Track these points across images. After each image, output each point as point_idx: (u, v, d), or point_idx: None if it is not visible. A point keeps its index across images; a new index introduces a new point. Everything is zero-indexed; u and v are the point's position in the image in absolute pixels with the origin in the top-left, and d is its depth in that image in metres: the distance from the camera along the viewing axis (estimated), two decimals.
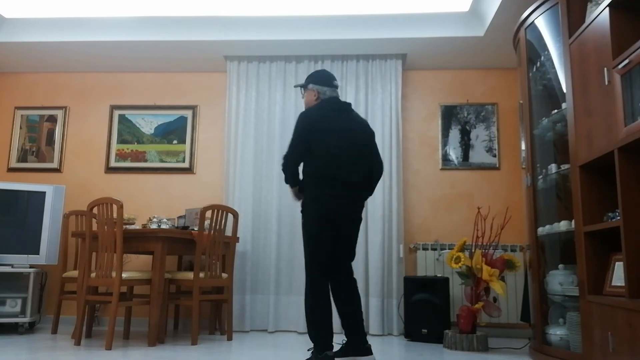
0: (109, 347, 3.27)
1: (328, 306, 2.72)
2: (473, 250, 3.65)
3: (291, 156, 2.83)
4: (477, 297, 3.58)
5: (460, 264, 3.58)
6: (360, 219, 2.92)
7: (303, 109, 3.27)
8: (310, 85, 3.03)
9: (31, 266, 4.17)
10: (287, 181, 2.90)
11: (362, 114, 4.51)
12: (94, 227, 4.43)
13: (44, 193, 4.28)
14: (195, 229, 3.79)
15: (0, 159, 4.93)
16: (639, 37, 2.37)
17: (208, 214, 4.09)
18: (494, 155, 4.59)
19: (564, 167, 2.99)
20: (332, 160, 2.79)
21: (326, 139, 2.82)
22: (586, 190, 2.69)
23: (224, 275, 3.82)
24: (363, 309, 4.20)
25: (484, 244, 3.81)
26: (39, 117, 4.96)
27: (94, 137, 4.91)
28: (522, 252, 4.30)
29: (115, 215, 3.37)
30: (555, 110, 3.10)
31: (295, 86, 3.33)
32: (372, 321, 4.18)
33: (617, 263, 2.48)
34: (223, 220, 3.73)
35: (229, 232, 4.17)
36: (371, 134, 2.98)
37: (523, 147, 3.44)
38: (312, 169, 2.83)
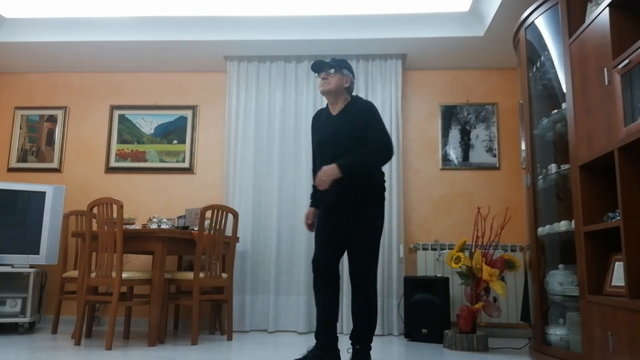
0: (109, 347, 3.27)
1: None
2: (473, 250, 3.65)
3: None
4: (477, 297, 3.58)
5: (460, 264, 3.57)
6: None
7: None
8: (346, 72, 2.85)
9: (31, 266, 4.17)
10: (383, 161, 2.72)
11: None
12: (94, 227, 4.43)
13: (44, 193, 4.28)
14: (195, 229, 3.79)
15: (0, 159, 4.93)
16: (639, 37, 2.37)
17: (208, 214, 4.09)
18: (494, 155, 4.59)
19: (564, 167, 2.99)
20: None
21: None
22: (586, 190, 2.69)
23: (224, 275, 3.82)
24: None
25: (484, 244, 3.81)
26: (39, 117, 4.96)
27: (94, 137, 4.91)
28: (522, 252, 4.30)
29: (115, 215, 3.37)
30: (555, 110, 3.10)
31: (321, 66, 2.84)
32: None
33: (617, 263, 2.48)
34: (223, 220, 3.73)
35: (229, 232, 4.17)
36: None
37: (523, 147, 3.44)
38: (382, 172, 2.82)
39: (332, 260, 2.80)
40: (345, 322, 4.17)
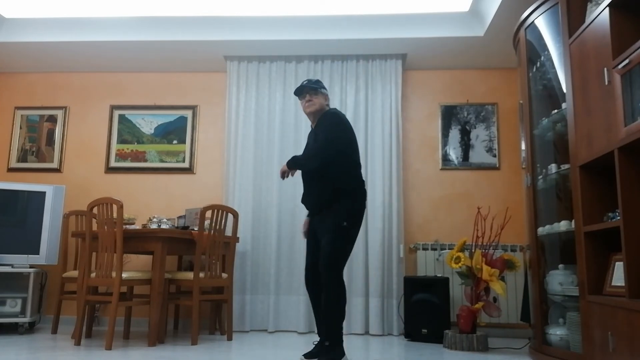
0: (109, 347, 3.27)
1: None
2: (473, 250, 3.65)
3: (336, 147, 2.88)
4: (477, 297, 3.58)
5: (460, 264, 3.58)
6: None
7: (303, 109, 3.30)
8: (324, 90, 3.13)
9: (31, 266, 4.17)
10: (306, 166, 2.97)
11: (362, 114, 4.52)
12: (94, 227, 4.43)
13: (44, 193, 4.28)
14: (195, 229, 3.79)
15: (0, 159, 4.93)
16: (639, 37, 2.37)
17: (208, 214, 4.09)
18: (494, 155, 4.59)
19: (564, 167, 2.99)
20: (360, 172, 3.04)
21: (357, 149, 3.05)
22: (586, 190, 2.69)
23: (224, 275, 3.82)
24: (363, 309, 4.23)
25: (484, 244, 3.81)
26: (39, 117, 4.96)
27: (94, 137, 4.91)
28: (522, 252, 4.30)
29: (115, 215, 3.37)
30: (555, 110, 3.10)
31: (302, 89, 3.10)
32: (372, 321, 4.18)
33: (617, 263, 2.48)
34: (223, 220, 3.73)
35: (229, 232, 4.17)
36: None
37: (523, 147, 3.44)
38: (354, 179, 2.98)
39: (310, 270, 3.05)
40: (351, 321, 4.17)
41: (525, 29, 3.38)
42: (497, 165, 4.58)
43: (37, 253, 4.20)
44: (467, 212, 4.54)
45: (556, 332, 2.94)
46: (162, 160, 4.82)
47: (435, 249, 4.39)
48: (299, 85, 3.15)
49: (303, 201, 3.12)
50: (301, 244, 4.33)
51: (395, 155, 4.43)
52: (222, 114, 4.84)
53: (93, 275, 3.50)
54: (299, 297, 4.28)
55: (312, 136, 3.11)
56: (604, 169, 2.67)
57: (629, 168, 2.30)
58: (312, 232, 3.08)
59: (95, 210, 3.59)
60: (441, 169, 4.63)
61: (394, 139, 4.46)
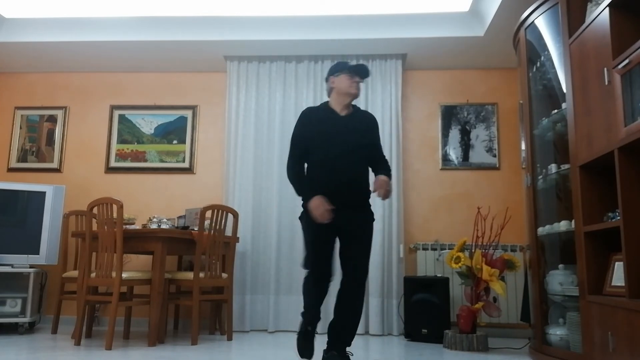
0: (109, 347, 3.27)
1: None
2: (473, 250, 3.65)
3: None
4: (477, 297, 3.58)
5: (460, 264, 3.57)
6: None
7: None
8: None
9: (31, 266, 4.17)
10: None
11: None
12: (94, 227, 4.43)
13: (44, 193, 4.28)
14: (195, 229, 3.79)
15: (0, 159, 4.93)
16: (639, 37, 2.37)
17: (208, 214, 4.09)
18: (494, 155, 4.59)
19: (564, 167, 2.99)
20: None
21: None
22: (586, 190, 2.69)
23: (224, 275, 3.82)
24: (363, 309, 4.19)
25: (484, 244, 3.81)
26: (39, 117, 4.96)
27: (94, 137, 4.91)
28: (522, 252, 4.30)
29: (115, 215, 3.37)
30: (555, 110, 3.10)
31: (366, 71, 2.94)
32: (372, 321, 4.18)
33: (617, 263, 2.48)
34: (223, 220, 3.73)
35: (229, 232, 4.17)
36: None
37: (523, 147, 3.44)
38: None
39: (331, 263, 2.94)
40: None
41: (525, 29, 3.38)
42: (497, 165, 4.58)
43: (37, 253, 4.20)
44: (467, 212, 4.54)
45: (556, 332, 2.94)
46: (162, 160, 4.82)
47: (435, 249, 4.39)
48: (358, 65, 2.93)
49: (338, 190, 2.78)
50: (301, 243, 4.32)
51: (395, 155, 4.43)
52: (222, 114, 4.84)
53: (93, 275, 3.50)
54: (299, 297, 4.28)
55: (349, 122, 2.87)
56: (604, 169, 2.67)
57: (629, 168, 2.30)
58: (333, 227, 2.78)
59: (95, 210, 3.59)
60: (441, 169, 4.63)
61: (394, 139, 4.46)
